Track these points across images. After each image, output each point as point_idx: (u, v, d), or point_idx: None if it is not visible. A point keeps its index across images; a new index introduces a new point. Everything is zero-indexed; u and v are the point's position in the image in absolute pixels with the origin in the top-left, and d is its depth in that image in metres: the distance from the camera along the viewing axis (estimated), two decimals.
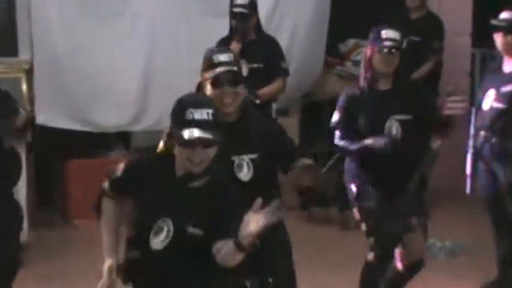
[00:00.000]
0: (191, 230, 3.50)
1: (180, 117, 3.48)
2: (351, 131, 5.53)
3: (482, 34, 7.32)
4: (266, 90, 6.81)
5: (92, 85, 7.69)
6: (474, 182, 6.46)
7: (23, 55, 7.30)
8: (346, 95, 5.69)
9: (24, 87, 7.15)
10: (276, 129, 4.83)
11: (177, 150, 3.56)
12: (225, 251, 3.43)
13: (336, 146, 5.77)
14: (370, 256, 5.69)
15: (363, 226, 5.71)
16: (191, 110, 3.48)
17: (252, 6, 7.00)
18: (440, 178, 7.92)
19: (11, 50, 7.32)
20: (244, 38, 6.96)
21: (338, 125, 5.58)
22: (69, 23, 7.54)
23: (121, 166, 3.79)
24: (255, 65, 6.86)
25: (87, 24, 7.59)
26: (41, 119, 7.34)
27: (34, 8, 7.32)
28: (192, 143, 3.43)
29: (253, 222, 3.37)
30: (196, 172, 3.55)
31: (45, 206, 7.81)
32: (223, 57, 4.28)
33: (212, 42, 6.08)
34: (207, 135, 3.39)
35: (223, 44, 6.62)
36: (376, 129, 5.37)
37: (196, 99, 3.66)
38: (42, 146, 7.48)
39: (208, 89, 4.33)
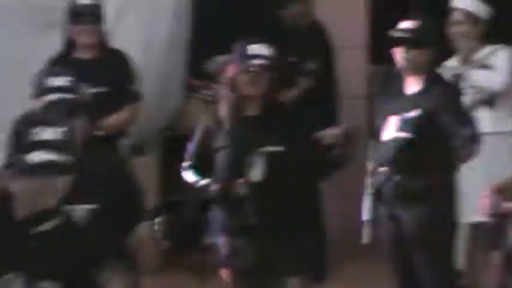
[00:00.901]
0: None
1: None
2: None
3: (379, 49, 6.98)
4: (112, 121, 6.28)
5: None
6: (373, 229, 5.82)
7: None
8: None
9: None
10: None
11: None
12: None
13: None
14: None
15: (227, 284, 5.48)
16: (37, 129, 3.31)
17: (98, 15, 6.51)
18: (335, 229, 7.46)
19: None
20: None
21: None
22: None
23: None
24: (98, 89, 6.15)
25: None
26: None
27: None
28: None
29: None
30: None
31: None
32: (57, 81, 4.21)
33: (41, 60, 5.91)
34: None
35: (57, 63, 6.04)
36: (237, 166, 5.12)
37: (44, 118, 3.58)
38: None
39: None
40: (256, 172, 5.13)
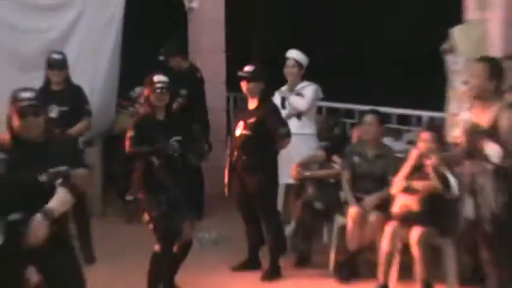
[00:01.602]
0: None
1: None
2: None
3: (233, 81, 8.66)
4: (76, 128, 8.08)
5: None
6: (230, 188, 7.86)
7: None
8: (137, 120, 7.11)
9: None
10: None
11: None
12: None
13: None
14: (157, 247, 6.82)
15: (150, 226, 6.85)
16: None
17: (63, 62, 8.26)
18: (211, 185, 9.72)
19: None
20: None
21: (131, 140, 6.88)
22: None
23: None
24: (64, 108, 8.06)
25: None
26: None
27: None
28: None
29: None
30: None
31: None
32: (26, 94, 5.02)
33: None
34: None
35: (43, 91, 7.59)
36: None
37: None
38: None
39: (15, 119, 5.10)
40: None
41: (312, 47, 10.30)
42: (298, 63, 8.69)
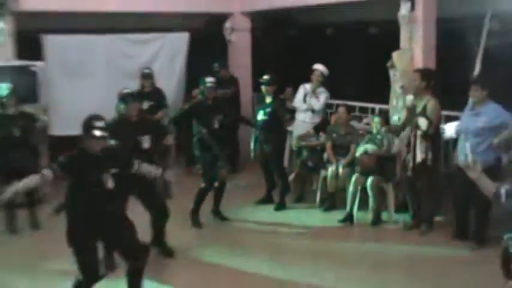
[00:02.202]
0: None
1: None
2: None
3: (256, 85, 8.82)
4: (158, 115, 8.76)
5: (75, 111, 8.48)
6: (254, 152, 8.03)
7: (41, 102, 8.70)
8: (193, 103, 7.33)
9: (45, 117, 8.51)
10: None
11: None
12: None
13: None
14: (202, 185, 7.23)
15: (200, 172, 7.20)
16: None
17: (151, 74, 8.99)
18: (242, 150, 9.72)
19: (34, 100, 8.58)
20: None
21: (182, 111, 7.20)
22: (61, 83, 9.26)
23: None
24: (152, 103, 8.73)
25: (70, 82, 9.31)
26: (53, 131, 9.01)
27: (47, 79, 8.86)
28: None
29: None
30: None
31: None
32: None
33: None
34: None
35: (139, 93, 7.56)
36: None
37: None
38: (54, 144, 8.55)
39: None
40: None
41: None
42: (322, 74, 8.55)
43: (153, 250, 5.83)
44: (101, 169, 4.75)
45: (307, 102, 8.50)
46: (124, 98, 6.04)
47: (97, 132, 4.63)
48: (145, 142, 5.97)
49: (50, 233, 6.58)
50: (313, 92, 8.47)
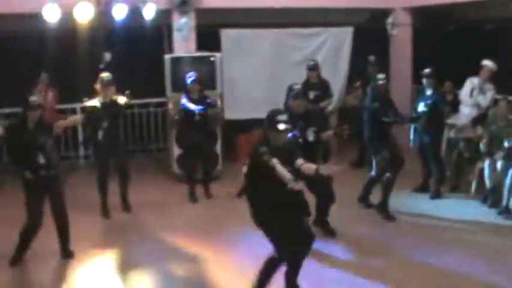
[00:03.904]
0: None
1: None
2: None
3: (416, 78, 9.40)
4: (322, 104, 9.20)
5: (249, 96, 10.07)
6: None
7: (218, 89, 9.61)
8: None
9: (219, 102, 9.31)
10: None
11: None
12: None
13: None
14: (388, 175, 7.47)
15: None
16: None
17: (317, 66, 9.36)
18: None
19: (212, 87, 9.45)
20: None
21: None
22: (235, 72, 10.11)
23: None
24: (317, 93, 9.14)
25: (243, 71, 10.15)
26: (227, 115, 10.01)
27: (223, 68, 9.79)
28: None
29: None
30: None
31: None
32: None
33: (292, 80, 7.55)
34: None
35: (305, 84, 8.68)
36: None
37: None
38: (227, 128, 9.83)
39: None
40: None
41: None
42: (490, 70, 8.48)
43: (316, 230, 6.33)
44: (285, 162, 4.95)
45: (474, 97, 8.52)
46: (294, 95, 6.51)
47: (282, 126, 4.90)
48: (310, 136, 6.39)
49: (222, 203, 8.10)
50: (480, 88, 8.49)
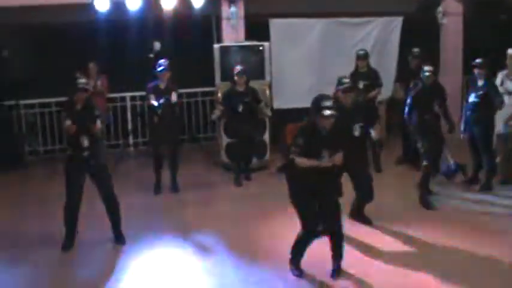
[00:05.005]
0: None
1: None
2: None
3: (467, 68, 8.98)
4: (371, 94, 9.15)
5: (297, 85, 10.00)
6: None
7: (266, 78, 9.68)
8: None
9: (267, 91, 9.53)
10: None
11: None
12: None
13: None
14: (425, 163, 7.53)
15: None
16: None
17: (367, 55, 9.34)
18: None
19: (261, 76, 9.55)
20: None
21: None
22: (284, 61, 10.11)
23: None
24: (367, 82, 9.16)
25: (291, 60, 10.15)
26: (276, 104, 10.07)
27: (272, 57, 9.85)
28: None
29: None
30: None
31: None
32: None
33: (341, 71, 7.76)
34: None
35: (353, 73, 8.79)
36: None
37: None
38: (276, 117, 9.64)
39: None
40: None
41: None
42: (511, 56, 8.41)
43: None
44: (329, 148, 5.16)
45: (504, 86, 8.45)
46: (344, 88, 6.40)
47: (327, 112, 5.00)
48: (356, 130, 6.34)
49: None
50: (507, 76, 8.44)
